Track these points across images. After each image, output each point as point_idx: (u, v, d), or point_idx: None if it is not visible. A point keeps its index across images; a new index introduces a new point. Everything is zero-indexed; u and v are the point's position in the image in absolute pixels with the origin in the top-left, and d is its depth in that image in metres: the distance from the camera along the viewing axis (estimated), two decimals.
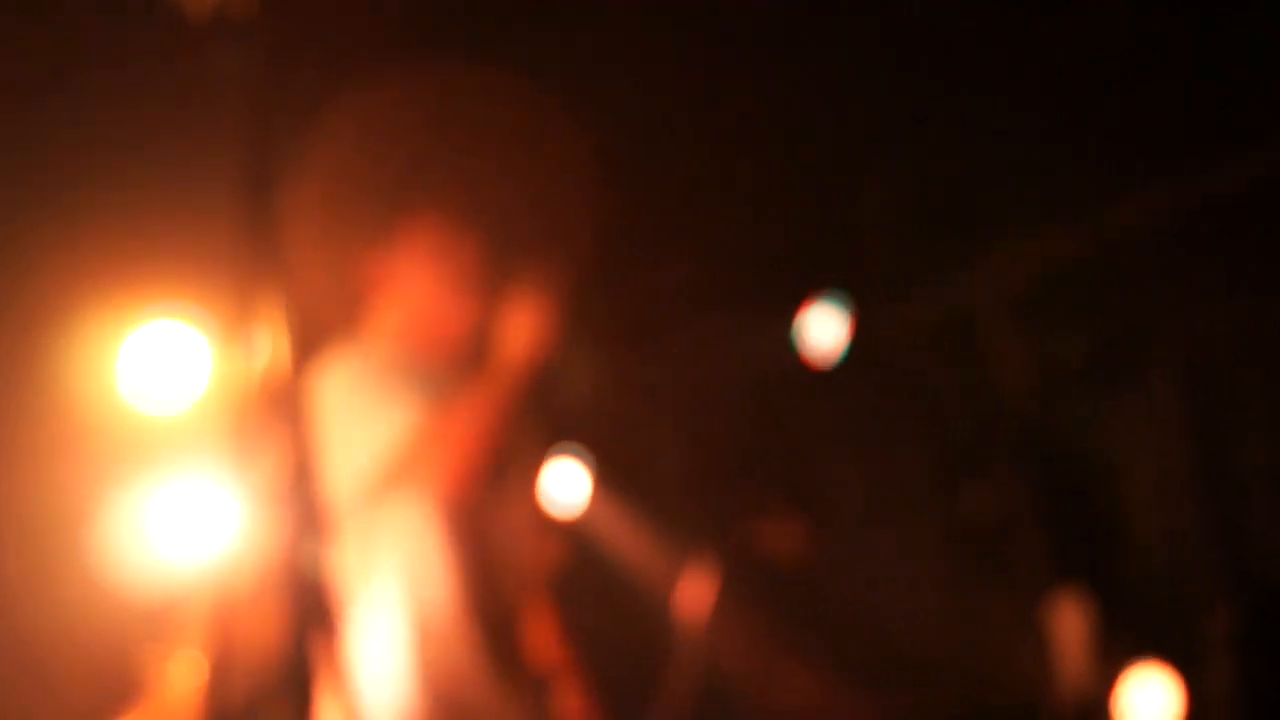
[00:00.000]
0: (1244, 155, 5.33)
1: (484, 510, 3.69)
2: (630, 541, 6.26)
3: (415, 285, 3.82)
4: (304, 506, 2.27)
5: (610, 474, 6.33)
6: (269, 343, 2.33)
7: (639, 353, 6.58)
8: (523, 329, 3.61)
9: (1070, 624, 5.33)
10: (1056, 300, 5.83)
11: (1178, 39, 4.85)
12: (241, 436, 2.33)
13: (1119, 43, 4.91)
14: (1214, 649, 5.04)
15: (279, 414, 2.33)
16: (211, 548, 4.51)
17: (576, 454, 6.17)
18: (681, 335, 6.40)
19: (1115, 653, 5.11)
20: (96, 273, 4.93)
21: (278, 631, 2.28)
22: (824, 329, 5.92)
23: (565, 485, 6.02)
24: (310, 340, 2.38)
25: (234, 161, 2.43)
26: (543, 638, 3.97)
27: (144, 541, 4.91)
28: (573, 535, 5.99)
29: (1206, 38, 4.82)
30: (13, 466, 5.12)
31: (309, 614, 2.25)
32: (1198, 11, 4.80)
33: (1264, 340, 5.59)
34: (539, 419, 4.02)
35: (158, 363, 4.58)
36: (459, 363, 3.79)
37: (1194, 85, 4.98)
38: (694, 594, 4.77)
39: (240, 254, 2.37)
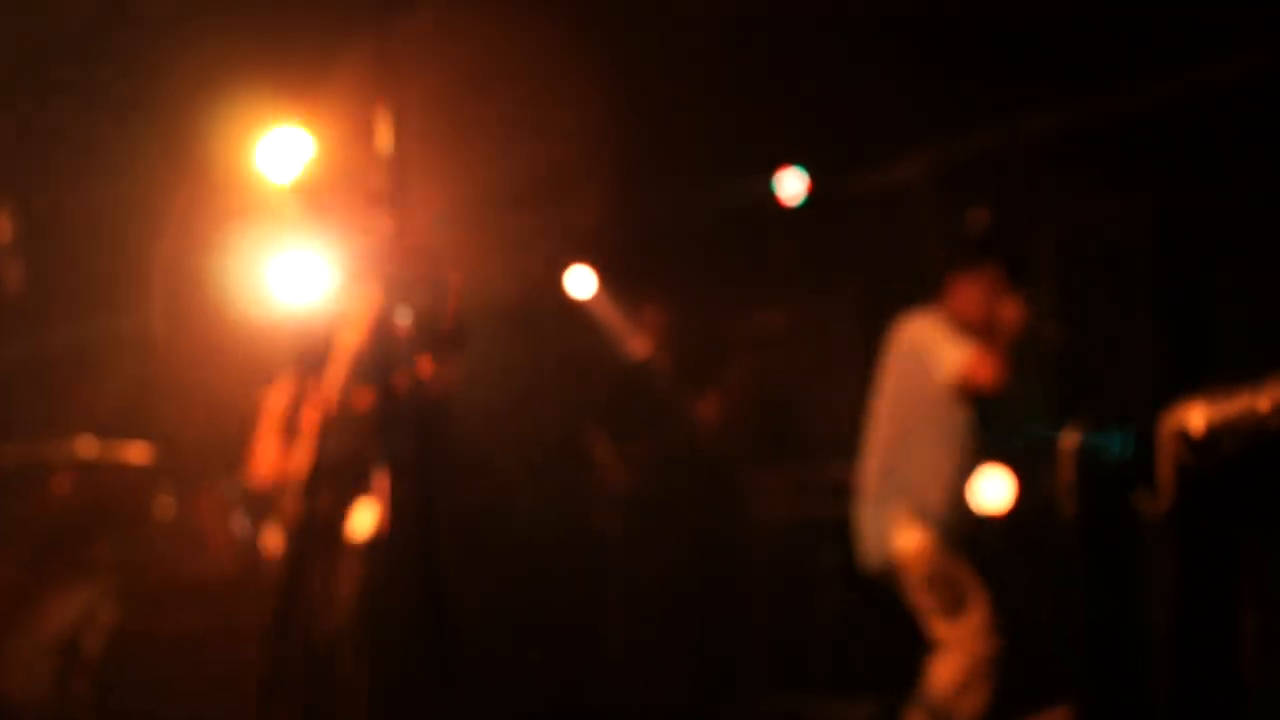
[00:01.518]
0: (1120, 89, 5.29)
1: None
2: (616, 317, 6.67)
3: None
4: (391, 273, 2.27)
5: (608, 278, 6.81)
6: (378, 144, 2.31)
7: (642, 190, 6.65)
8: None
9: None
10: (967, 184, 5.83)
11: None
12: (346, 215, 2.32)
13: None
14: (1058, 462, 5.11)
15: (379, 201, 2.31)
16: (313, 294, 4.56)
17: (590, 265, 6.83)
18: (679, 180, 6.44)
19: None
20: (251, 84, 4.82)
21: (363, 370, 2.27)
22: (792, 183, 6.18)
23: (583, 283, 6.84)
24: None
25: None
26: None
27: (264, 282, 4.87)
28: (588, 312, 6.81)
29: None
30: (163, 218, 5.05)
31: (392, 357, 2.24)
32: None
33: (1112, 233, 5.64)
34: None
35: (286, 151, 4.51)
36: None
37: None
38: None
39: (361, 77, 2.33)
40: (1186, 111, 5.24)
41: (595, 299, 6.80)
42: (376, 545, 2.21)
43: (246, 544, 4.60)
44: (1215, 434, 1.76)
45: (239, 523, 4.59)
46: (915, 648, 4.32)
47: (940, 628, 4.23)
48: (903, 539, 4.35)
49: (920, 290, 4.95)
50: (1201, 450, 1.78)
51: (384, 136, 2.30)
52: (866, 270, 6.36)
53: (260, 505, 4.77)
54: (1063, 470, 2.21)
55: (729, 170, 6.27)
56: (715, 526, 6.32)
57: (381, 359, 2.25)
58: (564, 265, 6.70)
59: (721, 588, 6.17)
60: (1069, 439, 2.21)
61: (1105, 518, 2.08)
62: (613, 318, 6.76)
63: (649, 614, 6.06)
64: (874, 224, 6.20)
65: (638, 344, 6.49)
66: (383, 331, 2.25)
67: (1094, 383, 5.56)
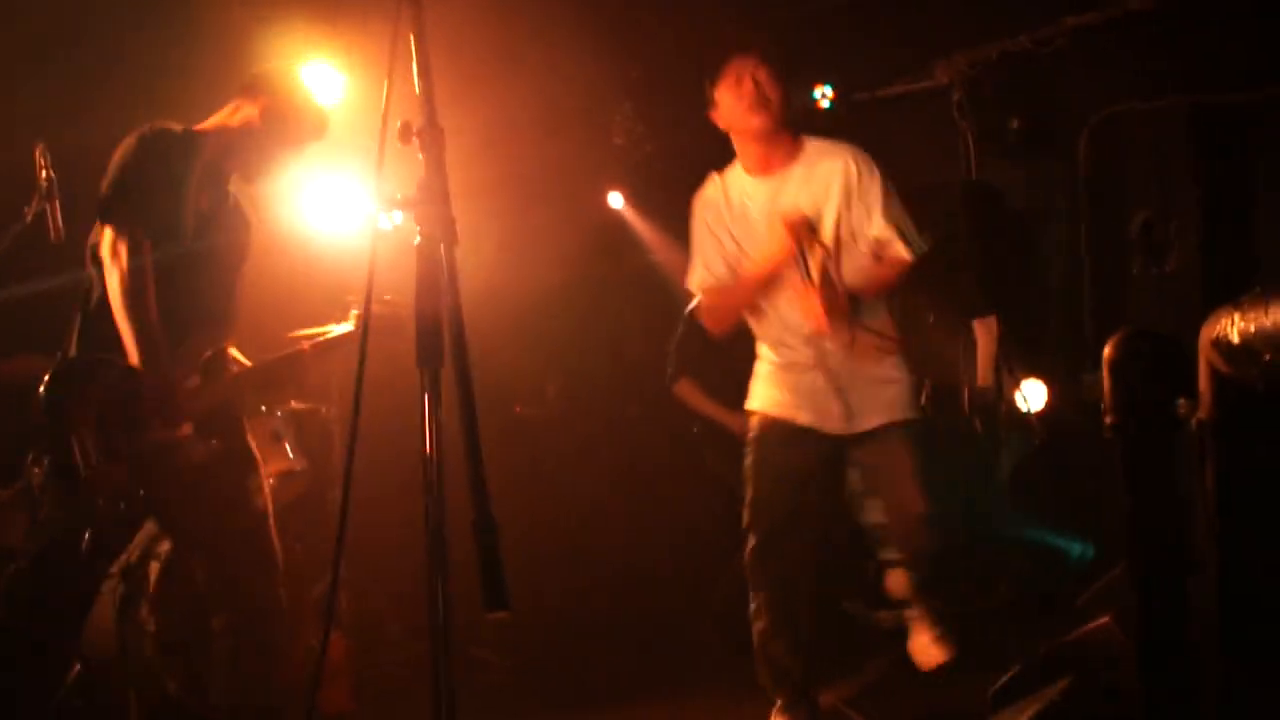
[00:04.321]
0: None
1: None
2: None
3: None
4: (431, 207, 2.27)
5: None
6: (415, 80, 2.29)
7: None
8: None
9: (986, 340, 5.42)
10: (999, 85, 5.75)
11: None
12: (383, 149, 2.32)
13: None
14: (1093, 367, 5.10)
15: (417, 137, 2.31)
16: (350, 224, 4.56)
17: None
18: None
19: (1015, 364, 5.16)
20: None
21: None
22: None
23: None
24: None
25: None
26: None
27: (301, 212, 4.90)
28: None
29: None
30: None
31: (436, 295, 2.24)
32: None
33: (1152, 128, 5.57)
34: None
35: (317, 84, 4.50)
36: None
37: None
38: None
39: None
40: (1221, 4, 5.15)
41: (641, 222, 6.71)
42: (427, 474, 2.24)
43: (297, 475, 4.70)
44: (1253, 344, 1.76)
45: (290, 454, 4.68)
46: None
47: None
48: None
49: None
50: (1239, 360, 1.78)
51: (414, 67, 2.30)
52: (902, 175, 6.33)
53: (310, 435, 4.85)
54: (1103, 377, 2.22)
55: None
56: None
57: (425, 290, 2.26)
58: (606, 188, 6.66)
59: None
60: (1110, 347, 2.22)
61: (1146, 426, 2.09)
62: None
63: None
64: (911, 130, 6.15)
65: None
66: (424, 264, 2.26)
67: (1132, 286, 5.52)
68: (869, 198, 3.94)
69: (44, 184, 3.78)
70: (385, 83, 2.36)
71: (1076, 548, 5.62)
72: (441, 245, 2.27)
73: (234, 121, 3.80)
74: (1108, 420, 2.19)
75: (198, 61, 4.91)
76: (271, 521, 3.69)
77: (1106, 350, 2.22)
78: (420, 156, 2.30)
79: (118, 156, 3.59)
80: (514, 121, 5.76)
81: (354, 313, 3.94)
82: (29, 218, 3.85)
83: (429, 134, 2.28)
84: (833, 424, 4.07)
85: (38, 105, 4.75)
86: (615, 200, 6.85)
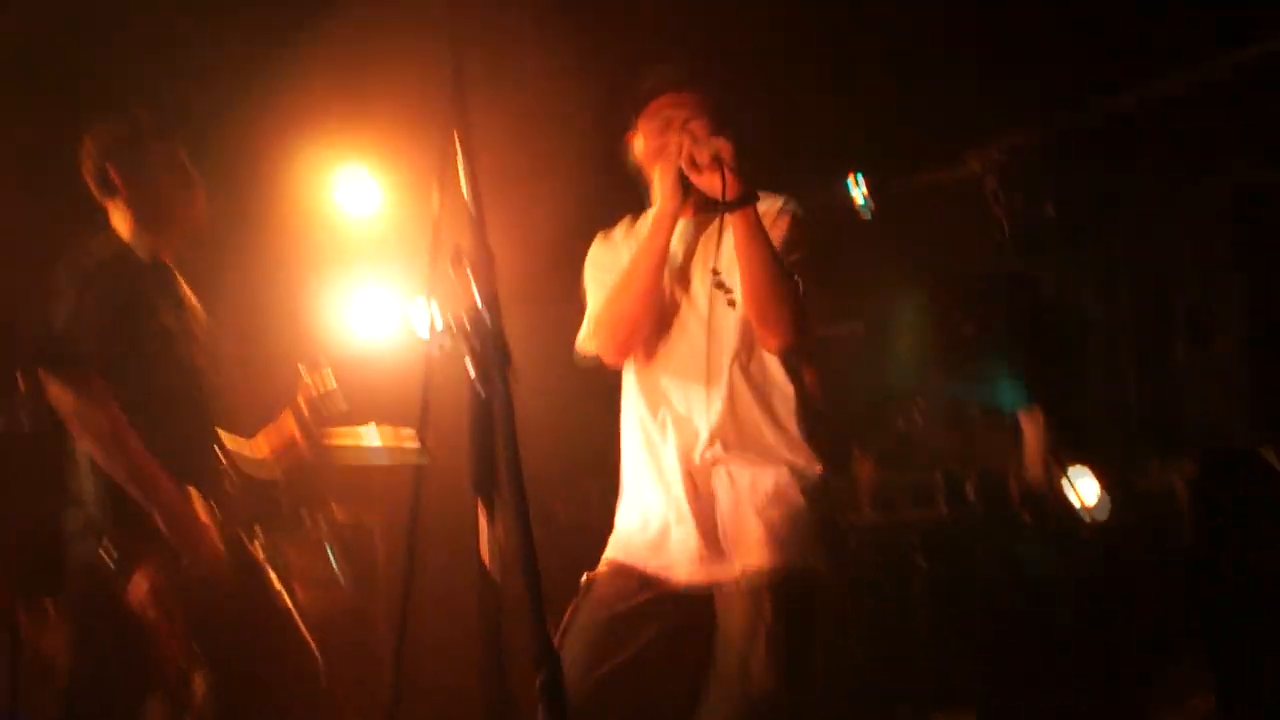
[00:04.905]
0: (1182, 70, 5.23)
1: None
2: None
3: None
4: (485, 336, 2.21)
5: None
6: (460, 189, 2.27)
7: None
8: None
9: (1032, 431, 5.36)
10: (1036, 173, 5.75)
11: None
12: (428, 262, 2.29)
13: None
14: (1140, 455, 5.03)
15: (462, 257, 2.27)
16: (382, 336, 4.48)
17: None
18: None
19: (1063, 454, 5.09)
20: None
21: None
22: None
23: None
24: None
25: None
26: None
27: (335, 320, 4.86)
28: None
29: None
30: (251, 252, 5.04)
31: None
32: None
33: (1189, 216, 5.56)
34: None
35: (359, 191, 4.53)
36: None
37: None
38: None
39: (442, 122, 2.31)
40: (1261, 86, 5.13)
41: None
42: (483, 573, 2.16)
43: (339, 586, 4.62)
44: None
45: (333, 563, 4.61)
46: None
47: None
48: None
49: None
50: None
51: (463, 187, 2.26)
52: (940, 267, 6.29)
53: (353, 546, 4.78)
54: (1182, 501, 2.15)
55: (798, 176, 6.19)
56: None
57: (478, 417, 2.21)
58: None
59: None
60: (1187, 470, 2.14)
61: (1231, 546, 2.01)
62: None
63: None
64: (944, 218, 6.13)
65: None
66: (476, 389, 2.21)
67: (1178, 370, 5.47)
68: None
69: None
70: (435, 196, 2.32)
71: (1009, 398, 5.58)
72: (495, 371, 2.22)
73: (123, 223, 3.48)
74: (1189, 541, 2.12)
75: (224, 173, 4.92)
76: (296, 616, 3.57)
77: (1188, 469, 2.15)
78: (471, 281, 2.25)
79: (61, 299, 3.26)
80: (548, 214, 5.76)
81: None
82: None
83: (481, 260, 2.22)
84: (685, 571, 3.01)
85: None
86: None
